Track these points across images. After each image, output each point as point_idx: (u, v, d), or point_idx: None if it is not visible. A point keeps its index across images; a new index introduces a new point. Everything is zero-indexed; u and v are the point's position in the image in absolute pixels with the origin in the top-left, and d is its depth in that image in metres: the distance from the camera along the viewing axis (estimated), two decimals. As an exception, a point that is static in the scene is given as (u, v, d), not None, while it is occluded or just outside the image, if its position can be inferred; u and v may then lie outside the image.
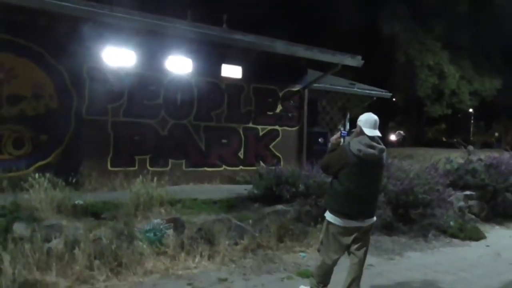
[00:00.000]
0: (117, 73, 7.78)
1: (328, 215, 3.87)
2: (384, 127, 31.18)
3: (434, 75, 27.83)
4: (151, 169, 7.91)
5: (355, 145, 3.69)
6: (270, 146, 9.69)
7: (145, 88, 8.11)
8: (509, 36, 24.79)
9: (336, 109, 14.10)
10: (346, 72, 15.24)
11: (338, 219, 3.77)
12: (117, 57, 7.75)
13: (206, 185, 8.44)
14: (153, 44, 8.08)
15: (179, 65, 8.44)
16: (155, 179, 6.06)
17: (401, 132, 38.52)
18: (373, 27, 27.48)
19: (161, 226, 5.24)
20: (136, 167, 7.85)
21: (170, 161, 8.34)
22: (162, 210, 5.65)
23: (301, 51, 9.08)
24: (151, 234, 5.14)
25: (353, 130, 4.08)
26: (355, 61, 9.68)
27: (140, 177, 5.96)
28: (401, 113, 37.72)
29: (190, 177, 8.38)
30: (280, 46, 8.80)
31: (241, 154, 9.27)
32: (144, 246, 4.94)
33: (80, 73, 7.45)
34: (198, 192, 7.17)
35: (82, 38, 7.29)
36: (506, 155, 9.54)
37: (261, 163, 8.78)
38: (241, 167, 9.16)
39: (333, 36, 25.71)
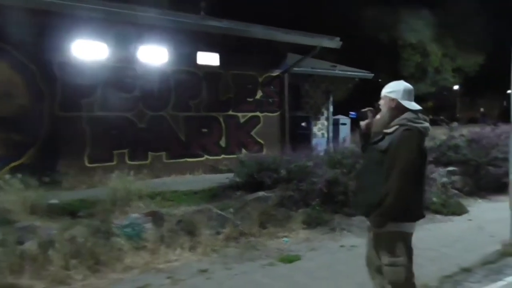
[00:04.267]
0: (90, 67, 7.58)
1: (399, 226, 2.74)
2: (373, 107, 31.19)
3: (417, 54, 27.89)
4: (130, 163, 7.81)
5: (417, 122, 2.74)
6: (252, 133, 9.61)
7: (119, 80, 7.95)
8: (491, 10, 24.83)
9: (320, 92, 13.99)
10: (331, 55, 15.16)
11: (408, 224, 2.80)
12: (89, 50, 7.56)
13: (188, 176, 8.34)
14: (125, 35, 7.88)
15: (154, 55, 8.27)
16: (132, 173, 5.95)
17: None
18: (355, 8, 27.31)
19: (140, 221, 5.15)
20: (115, 162, 7.72)
21: (150, 154, 8.22)
22: (141, 204, 5.54)
23: (279, 35, 8.95)
24: (129, 229, 5.04)
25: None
26: (333, 43, 9.58)
27: (116, 172, 5.83)
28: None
29: (171, 169, 8.27)
30: (257, 31, 8.67)
31: (222, 143, 9.18)
32: (123, 242, 4.85)
33: (50, 69, 7.26)
34: (180, 184, 7.09)
35: (50, 32, 7.08)
36: (487, 129, 9.55)
37: (243, 151, 8.71)
38: (223, 155, 9.07)
39: (316, 20, 25.51)
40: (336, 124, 13.76)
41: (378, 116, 2.91)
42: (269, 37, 8.89)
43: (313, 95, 13.79)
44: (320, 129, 13.68)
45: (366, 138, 2.98)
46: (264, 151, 9.15)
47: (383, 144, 2.74)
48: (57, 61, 7.31)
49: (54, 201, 5.37)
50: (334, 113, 14.19)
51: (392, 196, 2.61)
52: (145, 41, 8.09)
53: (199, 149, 8.87)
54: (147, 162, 8.13)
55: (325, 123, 13.75)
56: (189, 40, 8.46)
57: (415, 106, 2.80)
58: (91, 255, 4.55)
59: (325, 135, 13.72)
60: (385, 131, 2.77)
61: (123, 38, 7.86)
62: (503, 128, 9.25)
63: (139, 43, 8.07)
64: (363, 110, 2.96)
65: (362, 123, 2.99)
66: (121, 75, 7.95)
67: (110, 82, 7.81)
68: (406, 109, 2.77)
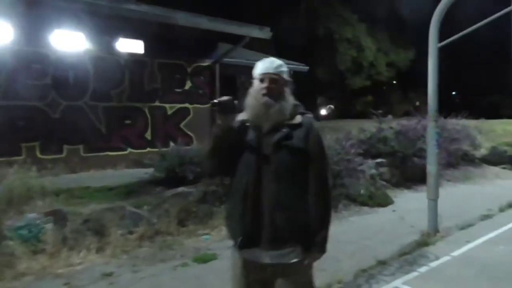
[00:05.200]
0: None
1: None
2: (313, 101, 31.84)
3: (352, 48, 28.51)
4: (42, 157, 7.14)
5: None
6: (181, 125, 9.16)
7: (28, 66, 7.19)
8: (419, 8, 25.91)
9: (255, 84, 13.79)
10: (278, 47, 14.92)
11: None
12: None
13: (110, 170, 7.76)
14: (36, 17, 7.13)
15: (70, 40, 7.59)
16: (33, 168, 5.34)
17: (331, 106, 39.60)
18: (293, 1, 27.43)
19: (38, 221, 4.60)
20: (23, 156, 6.97)
21: (65, 147, 7.54)
22: (42, 203, 4.97)
23: (205, 23, 8.53)
24: (25, 231, 4.49)
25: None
26: (263, 33, 9.35)
27: (15, 166, 5.21)
28: (326, 87, 38.48)
29: (90, 163, 7.65)
30: (181, 18, 8.19)
31: (148, 136, 8.65)
32: (16, 245, 4.30)
33: None
34: (96, 179, 6.56)
35: None
36: (413, 121, 9.79)
37: (171, 144, 8.25)
38: (148, 149, 8.53)
39: (254, 11, 25.27)
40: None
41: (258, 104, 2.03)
42: (194, 25, 8.42)
43: (249, 87, 13.54)
44: (256, 122, 13.46)
45: (235, 135, 2.01)
46: (194, 145, 8.72)
47: (296, 141, 1.98)
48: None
49: None
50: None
51: (329, 208, 2.06)
52: (59, 24, 7.36)
53: (122, 142, 8.28)
54: (63, 155, 7.45)
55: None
56: (109, 26, 7.83)
57: None
58: (-26, 262, 3.98)
59: (262, 128, 13.53)
60: (290, 122, 2.02)
61: (34, 20, 7.10)
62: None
63: (53, 26, 7.33)
64: (223, 99, 1.98)
65: (234, 116, 2.02)
66: (31, 61, 7.19)
67: (17, 68, 7.03)
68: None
